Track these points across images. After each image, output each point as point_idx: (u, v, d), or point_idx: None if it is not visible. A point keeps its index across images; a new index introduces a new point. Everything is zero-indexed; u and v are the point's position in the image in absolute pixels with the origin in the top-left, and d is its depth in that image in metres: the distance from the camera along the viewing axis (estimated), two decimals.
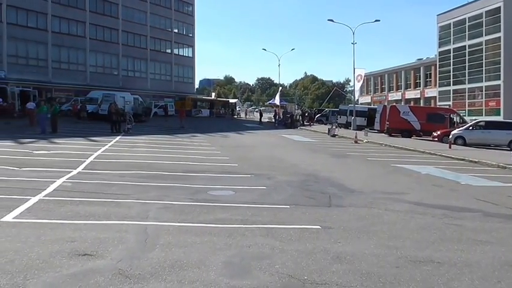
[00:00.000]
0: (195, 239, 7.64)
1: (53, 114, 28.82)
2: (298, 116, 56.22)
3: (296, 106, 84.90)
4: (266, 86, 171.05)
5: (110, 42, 66.17)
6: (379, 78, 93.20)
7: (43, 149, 19.95)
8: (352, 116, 47.70)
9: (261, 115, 58.68)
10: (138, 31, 70.69)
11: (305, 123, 55.57)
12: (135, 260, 6.47)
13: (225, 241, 7.63)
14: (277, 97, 64.31)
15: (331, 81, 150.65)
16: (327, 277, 6.18)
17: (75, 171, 14.03)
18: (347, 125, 47.90)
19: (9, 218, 8.39)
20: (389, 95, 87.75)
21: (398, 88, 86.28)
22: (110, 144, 23.23)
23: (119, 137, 27.26)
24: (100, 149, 20.77)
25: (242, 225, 8.63)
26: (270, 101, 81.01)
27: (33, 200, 9.84)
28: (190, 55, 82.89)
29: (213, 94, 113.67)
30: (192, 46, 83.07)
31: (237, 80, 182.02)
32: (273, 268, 6.41)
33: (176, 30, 79.44)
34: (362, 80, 52.42)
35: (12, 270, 5.88)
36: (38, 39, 56.18)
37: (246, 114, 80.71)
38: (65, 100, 53.09)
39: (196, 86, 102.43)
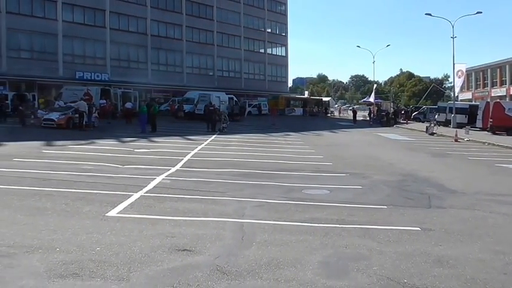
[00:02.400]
0: (290, 238, 7.62)
1: (153, 114, 30.03)
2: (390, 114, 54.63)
3: (391, 104, 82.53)
4: (360, 84, 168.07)
5: (205, 43, 67.91)
6: (481, 73, 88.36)
7: (143, 147, 20.86)
8: (452, 113, 45.67)
9: (354, 113, 57.67)
10: (232, 32, 72.00)
11: (401, 121, 53.96)
12: (232, 257, 6.56)
13: (321, 240, 7.55)
14: (372, 95, 62.98)
15: (429, 77, 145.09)
16: (428, 281, 5.92)
17: (173, 169, 14.51)
18: (446, 123, 45.87)
19: (113, 213, 8.82)
20: (493, 90, 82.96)
21: (502, 83, 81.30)
22: (206, 142, 23.84)
23: (214, 136, 27.91)
24: (197, 147, 21.37)
25: (338, 225, 8.51)
26: (365, 99, 79.48)
27: (135, 196, 10.29)
28: (284, 54, 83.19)
29: (306, 93, 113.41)
30: (285, 45, 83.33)
31: (330, 78, 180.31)
32: (371, 270, 6.25)
33: (269, 30, 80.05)
34: (463, 76, 50.04)
35: (117, 262, 6.16)
36: (138, 42, 58.86)
37: (339, 113, 79.66)
38: (163, 100, 55.22)
39: (290, 84, 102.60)
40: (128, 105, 39.92)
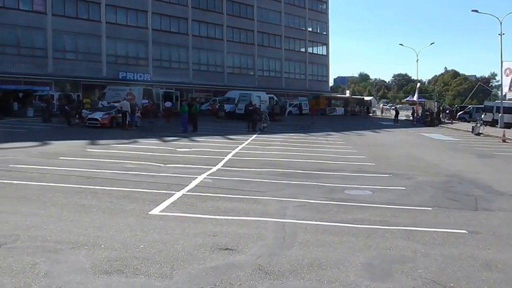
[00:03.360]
0: (333, 239, 7.55)
1: (194, 114, 30.31)
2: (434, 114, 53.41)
3: (435, 103, 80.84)
4: (403, 83, 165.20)
5: (246, 43, 68.13)
6: None
7: (185, 146, 21.07)
8: (499, 112, 44.38)
9: (396, 113, 56.67)
10: (273, 31, 71.98)
11: (446, 121, 52.77)
12: (274, 257, 6.54)
13: (364, 242, 7.45)
14: (416, 94, 61.82)
15: (475, 76, 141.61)
16: (476, 286, 5.76)
17: (214, 168, 14.60)
18: (493, 123, 44.58)
19: (156, 211, 8.93)
20: None
21: None
22: (246, 142, 23.90)
23: (255, 136, 27.96)
24: (237, 147, 21.45)
25: (381, 227, 8.37)
26: (408, 98, 78.13)
27: (178, 194, 10.39)
28: (325, 53, 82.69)
29: (348, 92, 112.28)
30: (326, 44, 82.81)
31: (372, 77, 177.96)
32: (416, 272, 6.12)
33: (310, 29, 79.66)
34: (511, 74, 48.59)
35: (160, 260, 6.23)
36: (179, 43, 59.58)
37: (382, 112, 78.52)
38: (204, 100, 55.70)
39: (331, 84, 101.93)
40: (168, 104, 40.57)
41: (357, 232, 7.97)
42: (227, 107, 44.35)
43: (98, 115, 30.51)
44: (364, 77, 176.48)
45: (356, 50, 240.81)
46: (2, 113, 33.07)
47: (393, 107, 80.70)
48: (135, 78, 52.90)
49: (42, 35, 47.74)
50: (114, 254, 6.40)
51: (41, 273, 5.64)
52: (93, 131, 27.09)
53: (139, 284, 5.49)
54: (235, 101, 45.56)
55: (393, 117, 56.73)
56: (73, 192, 10.32)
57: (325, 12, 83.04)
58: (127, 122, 30.08)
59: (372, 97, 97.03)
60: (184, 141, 23.41)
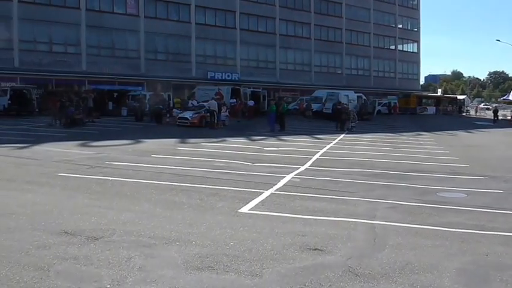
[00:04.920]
0: (425, 242, 7.27)
1: (281, 113, 30.40)
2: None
3: None
4: (499, 81, 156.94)
5: (333, 41, 67.46)
6: None
7: (272, 145, 21.17)
8: None
9: (495, 112, 53.61)
10: (362, 29, 70.70)
11: None
12: (365, 259, 6.39)
13: (459, 246, 7.11)
14: None
15: None
16: None
17: (302, 168, 14.54)
18: None
19: (245, 209, 9.01)
20: None
21: None
22: (334, 142, 23.64)
23: (342, 135, 27.60)
24: (325, 146, 21.26)
25: (477, 231, 7.96)
26: (504, 97, 73.95)
27: (266, 193, 10.43)
28: (415, 50, 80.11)
29: (439, 90, 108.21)
30: (417, 41, 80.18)
31: (466, 74, 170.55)
32: None
33: (400, 26, 77.48)
34: None
35: (250, 258, 6.26)
36: (267, 42, 60.04)
37: (476, 112, 74.95)
38: (291, 99, 55.76)
39: (421, 82, 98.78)
40: (250, 103, 41.00)
41: (451, 236, 7.62)
42: (314, 106, 44.07)
43: (188, 114, 31.36)
44: (457, 75, 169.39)
45: (449, 46, 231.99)
46: (98, 112, 34.84)
47: (491, 106, 76.71)
48: (223, 77, 53.95)
49: (135, 37, 49.89)
50: (205, 250, 6.51)
51: (136, 267, 5.84)
52: (183, 130, 27.89)
53: (229, 281, 5.54)
54: (323, 100, 45.17)
55: (488, 117, 53.92)
56: (165, 189, 10.65)
57: (416, 8, 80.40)
58: (215, 121, 30.69)
59: (465, 96, 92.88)
60: (271, 140, 23.53)
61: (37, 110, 36.38)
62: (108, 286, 5.27)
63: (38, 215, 8.17)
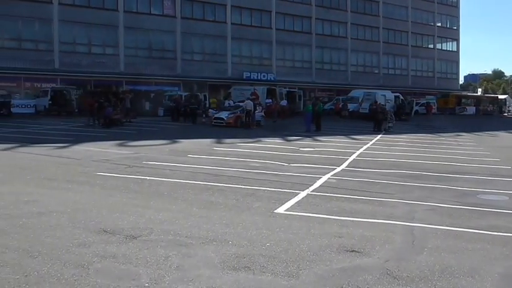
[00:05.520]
0: (466, 245, 7.10)
1: (317, 113, 30.25)
2: None
3: None
4: None
5: (370, 40, 66.76)
6: None
7: (308, 146, 21.08)
8: None
9: None
10: (399, 27, 69.71)
11: None
12: (403, 262, 6.29)
13: (501, 251, 6.92)
14: None
15: None
16: None
17: (338, 169, 14.42)
18: None
19: (281, 210, 8.98)
20: None
21: None
22: (371, 142, 23.38)
23: (379, 136, 27.28)
24: (362, 147, 21.05)
25: None
26: None
27: (302, 194, 10.39)
28: (455, 49, 78.52)
29: (479, 90, 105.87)
30: (457, 39, 78.58)
31: (507, 73, 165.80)
32: None
33: (439, 24, 76.07)
34: None
35: (286, 259, 6.23)
36: (303, 42, 59.85)
37: None
38: (327, 99, 55.46)
39: (461, 81, 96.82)
40: (283, 103, 40.94)
41: (492, 240, 7.43)
42: (351, 106, 43.77)
43: (223, 114, 31.52)
44: (498, 74, 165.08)
45: (489, 45, 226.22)
46: (134, 112, 35.38)
47: None
48: (259, 78, 54.02)
49: (172, 38, 50.44)
50: (241, 250, 6.52)
51: (173, 266, 5.89)
52: (219, 130, 28.04)
53: (266, 281, 5.53)
54: (359, 100, 44.82)
55: None
56: (201, 189, 10.72)
57: (455, 6, 78.80)
58: (249, 121, 30.74)
59: (506, 95, 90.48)
60: (307, 141, 23.44)
61: (76, 110, 37.19)
62: (147, 285, 5.33)
63: (78, 213, 8.34)
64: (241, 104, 32.92)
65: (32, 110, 38.10)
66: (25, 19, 42.79)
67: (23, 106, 37.97)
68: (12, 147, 18.19)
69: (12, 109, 36.07)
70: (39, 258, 6.04)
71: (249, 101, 32.74)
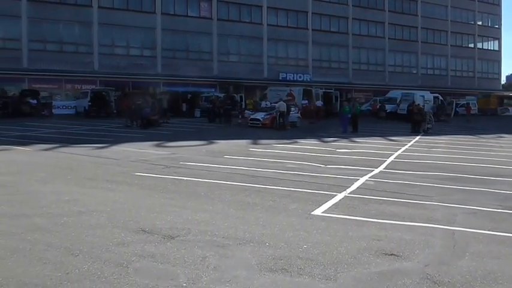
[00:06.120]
0: (509, 251, 6.90)
1: (354, 114, 29.98)
2: None
3: None
4: None
5: (408, 40, 65.81)
6: None
7: (345, 147, 20.90)
8: None
9: None
10: (438, 27, 68.46)
11: None
12: (444, 266, 6.14)
13: None
14: None
15: None
16: None
17: (376, 170, 14.23)
18: None
19: (318, 212, 8.91)
20: None
21: None
22: (409, 144, 23.01)
23: (418, 137, 26.82)
24: (400, 148, 20.74)
25: None
26: None
27: (339, 196, 10.28)
28: (496, 48, 76.60)
29: None
30: (498, 38, 76.61)
31: None
32: None
33: (480, 23, 74.36)
34: None
35: (324, 261, 6.18)
36: (339, 42, 59.47)
37: None
38: (364, 100, 54.92)
39: (503, 81, 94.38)
40: (318, 103, 40.71)
41: None
42: (388, 107, 43.23)
43: (259, 115, 31.56)
44: None
45: None
46: (171, 113, 35.77)
47: None
48: (295, 78, 53.94)
49: (208, 39, 50.85)
50: (278, 252, 6.50)
51: (211, 267, 5.90)
52: (255, 131, 28.09)
53: (303, 284, 5.49)
54: (397, 101, 44.24)
55: None
56: (238, 190, 10.74)
57: (497, 4, 76.83)
58: (283, 122, 30.69)
59: None
60: (344, 142, 23.25)
61: (115, 111, 37.83)
62: (184, 284, 5.36)
63: (117, 212, 8.46)
64: (275, 105, 32.92)
65: (72, 111, 38.99)
66: (66, 22, 43.92)
67: (64, 107, 38.90)
68: (53, 147, 18.64)
69: (53, 110, 36.98)
70: (80, 256, 6.16)
71: (282, 102, 32.70)
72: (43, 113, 36.24)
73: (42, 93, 39.62)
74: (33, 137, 22.16)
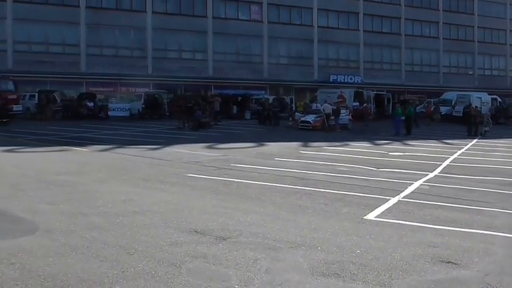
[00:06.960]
0: None
1: (407, 117, 29.38)
2: None
3: None
4: None
5: (464, 40, 63.83)
6: None
7: (398, 150, 20.50)
8: None
9: None
10: (496, 26, 66.00)
11: None
12: (506, 276, 5.89)
13: None
14: None
15: None
16: None
17: (431, 174, 13.87)
18: None
19: (371, 216, 8.74)
20: None
21: None
22: (465, 147, 22.33)
23: (475, 140, 25.99)
24: (456, 152, 20.16)
25: None
26: None
27: (393, 200, 10.07)
28: None
29: None
30: None
31: None
32: None
33: None
34: None
35: (378, 267, 6.04)
36: (391, 43, 58.34)
37: None
38: (417, 102, 53.68)
39: None
40: (355, 104, 40.08)
41: None
42: (443, 109, 42.06)
43: (310, 118, 31.37)
44: None
45: None
46: (221, 115, 36.06)
47: None
48: (346, 80, 53.23)
49: (259, 42, 50.95)
50: (330, 256, 6.41)
51: (262, 269, 5.88)
52: (305, 133, 27.95)
53: None
54: (452, 103, 43.02)
55: None
56: (289, 193, 10.68)
57: None
58: (328, 125, 30.37)
59: None
60: (396, 145, 22.80)
61: (167, 113, 38.46)
62: (236, 287, 5.36)
63: (170, 213, 8.57)
64: (320, 107, 32.70)
65: (127, 113, 39.81)
66: (121, 28, 45.02)
67: (119, 109, 39.73)
68: (109, 148, 19.12)
69: (109, 112, 37.92)
70: (135, 255, 6.27)
71: (327, 104, 32.39)
72: (99, 115, 37.33)
73: (99, 96, 40.91)
74: (90, 138, 22.82)
